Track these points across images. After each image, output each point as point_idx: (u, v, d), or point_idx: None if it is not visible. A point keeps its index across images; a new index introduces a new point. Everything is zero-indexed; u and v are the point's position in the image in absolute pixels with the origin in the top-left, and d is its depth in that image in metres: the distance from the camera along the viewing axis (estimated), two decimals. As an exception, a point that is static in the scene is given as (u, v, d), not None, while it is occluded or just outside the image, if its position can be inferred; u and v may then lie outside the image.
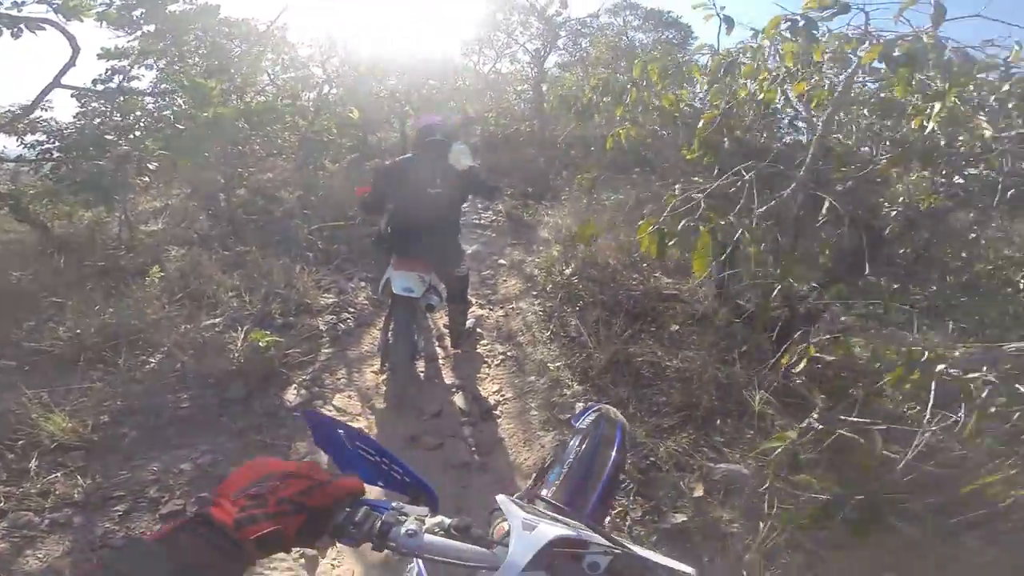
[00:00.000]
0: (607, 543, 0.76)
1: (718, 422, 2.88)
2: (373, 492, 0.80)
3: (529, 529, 0.72)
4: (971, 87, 1.90)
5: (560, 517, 0.83)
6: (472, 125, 10.86)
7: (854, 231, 2.89)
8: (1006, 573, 1.79)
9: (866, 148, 2.65)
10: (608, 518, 1.30)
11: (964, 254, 3.69)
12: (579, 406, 3.05)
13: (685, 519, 2.40)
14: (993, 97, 1.89)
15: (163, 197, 5.91)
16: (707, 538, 2.30)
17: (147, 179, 3.96)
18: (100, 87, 4.54)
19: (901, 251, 3.33)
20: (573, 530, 0.76)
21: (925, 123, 1.74)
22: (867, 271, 2.76)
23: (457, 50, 12.28)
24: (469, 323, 3.75)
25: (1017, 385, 1.15)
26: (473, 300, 4.22)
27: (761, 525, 2.14)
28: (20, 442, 2.55)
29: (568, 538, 0.74)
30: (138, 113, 4.94)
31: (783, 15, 1.74)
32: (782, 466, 1.70)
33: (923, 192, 3.49)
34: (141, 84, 5.02)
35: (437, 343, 3.70)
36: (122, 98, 4.51)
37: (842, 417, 1.57)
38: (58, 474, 2.39)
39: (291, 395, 3.06)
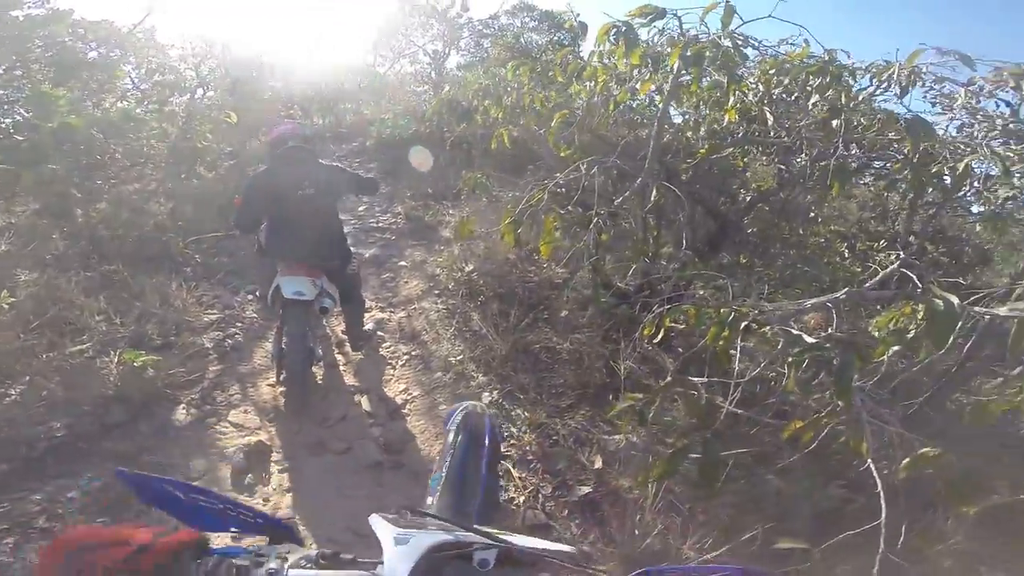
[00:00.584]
0: (487, 539, 0.79)
1: (610, 397, 3.15)
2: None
3: (403, 543, 0.73)
4: (770, 81, 2.27)
5: (439, 524, 0.85)
6: (368, 127, 10.61)
7: (707, 216, 3.32)
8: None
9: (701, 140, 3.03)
10: (497, 512, 1.41)
11: (801, 231, 4.35)
12: (484, 396, 3.20)
13: (590, 490, 2.62)
14: (779, 89, 2.28)
15: (3, 215, 5.20)
16: (612, 505, 2.52)
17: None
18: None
19: (750, 231, 3.86)
20: (450, 534, 0.78)
21: (735, 116, 2.08)
22: (720, 251, 3.18)
23: (355, 51, 11.96)
24: (368, 326, 3.75)
25: (803, 335, 1.42)
26: (371, 302, 4.20)
27: (650, 486, 2.42)
28: None
29: (446, 543, 0.77)
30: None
31: (611, 23, 1.99)
32: (632, 424, 1.94)
33: (767, 177, 4.07)
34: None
35: (337, 349, 3.65)
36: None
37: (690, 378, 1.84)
38: None
39: (180, 414, 2.91)
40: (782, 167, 3.66)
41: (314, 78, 9.78)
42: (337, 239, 3.22)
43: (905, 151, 2.10)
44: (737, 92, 2.11)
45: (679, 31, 2.05)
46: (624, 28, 1.97)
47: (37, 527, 2.20)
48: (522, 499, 2.59)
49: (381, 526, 0.78)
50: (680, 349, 3.01)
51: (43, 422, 2.70)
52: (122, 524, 0.64)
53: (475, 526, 0.84)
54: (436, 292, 4.39)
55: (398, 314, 4.12)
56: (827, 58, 2.25)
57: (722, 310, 1.50)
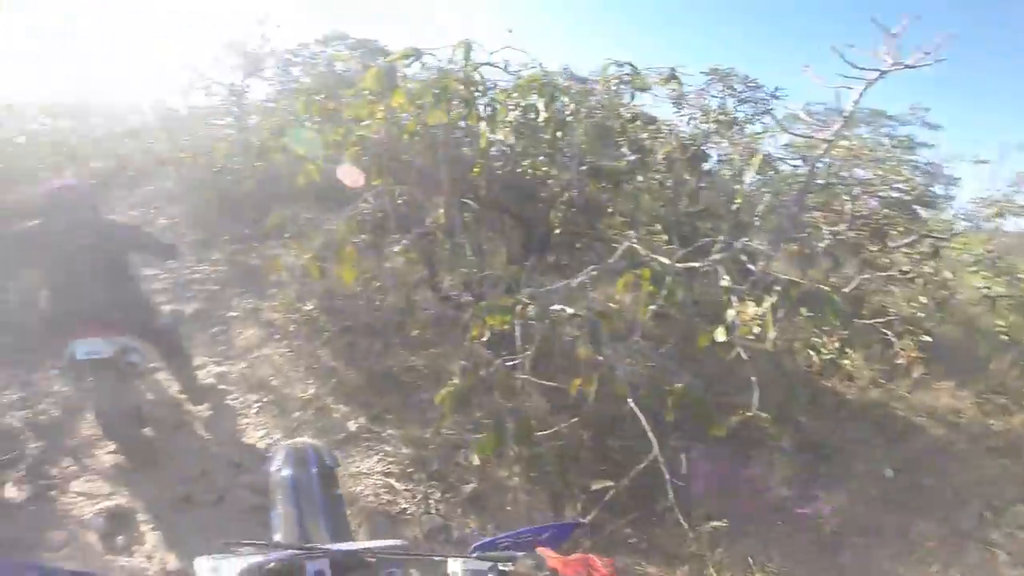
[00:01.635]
0: (310, 551, 0.85)
1: (473, 400, 3.45)
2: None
3: (215, 573, 0.80)
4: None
5: (255, 548, 0.87)
6: (164, 168, 9.45)
7: (516, 224, 3.85)
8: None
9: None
10: (347, 530, 1.48)
11: (598, 225, 5.20)
12: (351, 425, 3.29)
13: (475, 485, 2.88)
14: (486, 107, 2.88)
15: None
16: (497, 494, 2.82)
17: None
18: None
19: (558, 231, 4.54)
20: (266, 555, 0.84)
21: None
22: (536, 251, 3.73)
23: (139, 86, 10.51)
24: (208, 380, 3.55)
25: (565, 308, 1.93)
26: (205, 358, 3.95)
27: (514, 468, 2.78)
28: None
29: (262, 564, 0.82)
30: None
31: (376, 67, 2.34)
32: (452, 406, 2.31)
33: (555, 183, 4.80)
34: None
35: (181, 409, 3.39)
36: None
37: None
38: None
39: (12, 492, 2.62)
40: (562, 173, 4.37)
41: (91, 117, 8.45)
42: (132, 293, 2.99)
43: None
44: (493, 116, 2.60)
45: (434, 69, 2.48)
46: (387, 70, 2.32)
47: None
48: (413, 508, 2.77)
49: (202, 565, 0.85)
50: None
51: None
52: None
53: (300, 543, 0.94)
54: (277, 336, 4.27)
55: (238, 365, 3.93)
56: (542, 75, 2.88)
57: (504, 301, 1.93)
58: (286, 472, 1.54)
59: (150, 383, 3.50)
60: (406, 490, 2.88)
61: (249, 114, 10.19)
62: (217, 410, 3.42)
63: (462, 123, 2.94)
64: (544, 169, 4.23)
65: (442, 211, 2.70)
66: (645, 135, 4.19)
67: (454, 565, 0.91)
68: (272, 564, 0.84)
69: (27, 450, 2.88)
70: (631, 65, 3.74)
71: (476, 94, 2.39)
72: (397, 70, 2.31)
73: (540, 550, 0.90)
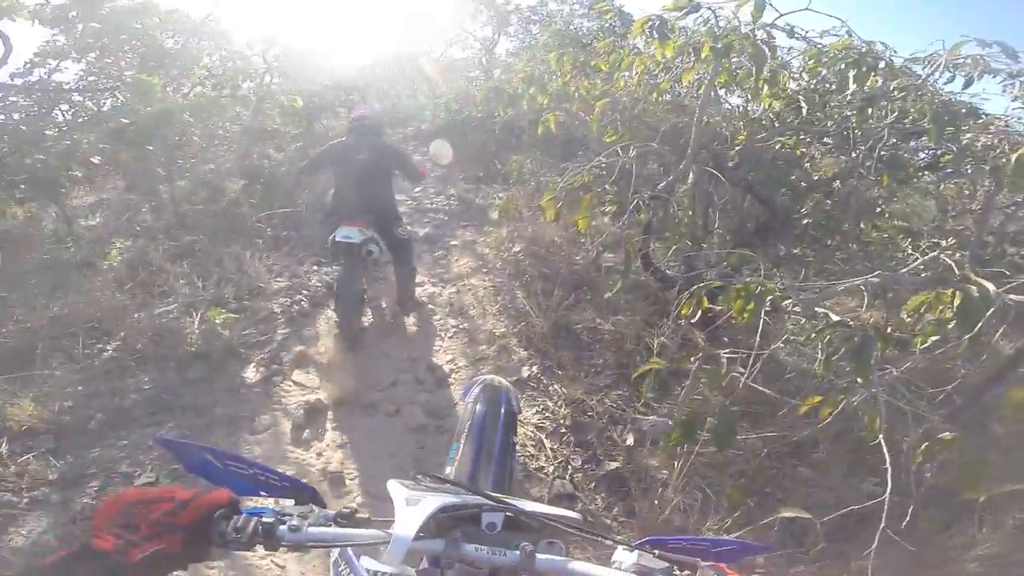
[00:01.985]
0: (495, 503, 0.84)
1: (646, 380, 3.22)
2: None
3: (413, 504, 0.78)
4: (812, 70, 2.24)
5: (449, 488, 0.89)
6: (423, 111, 10.86)
7: (759, 204, 3.28)
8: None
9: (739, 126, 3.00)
10: (511, 480, 1.49)
11: (863, 225, 4.19)
12: (524, 370, 3.35)
13: (618, 466, 2.73)
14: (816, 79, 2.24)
15: (97, 192, 5.77)
16: (638, 482, 2.62)
17: (89, 173, 3.92)
18: (18, 82, 4.38)
19: (805, 222, 3.77)
20: (459, 497, 0.83)
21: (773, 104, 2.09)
22: (771, 241, 3.15)
23: (407, 36, 12.20)
24: (422, 299, 3.97)
25: (829, 314, 1.47)
26: (424, 278, 4.43)
27: (675, 464, 2.50)
28: None
29: (454, 505, 0.81)
30: (64, 107, 4.80)
31: (646, 16, 2.03)
32: (652, 389, 2.01)
33: (825, 167, 3.95)
34: (64, 78, 4.87)
35: (392, 319, 3.88)
36: (48, 93, 4.39)
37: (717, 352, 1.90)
38: (30, 456, 2.48)
39: (251, 372, 3.20)
40: (843, 157, 3.55)
41: (369, 64, 10.09)
42: (386, 200, 3.66)
43: (962, 143, 2.05)
44: (775, 82, 2.11)
45: (715, 23, 2.07)
46: (658, 22, 2.02)
47: (120, 472, 2.49)
48: (551, 469, 2.72)
49: (396, 490, 0.83)
50: (724, 335, 3.03)
51: (133, 375, 3.07)
52: (167, 486, 0.76)
53: (486, 491, 0.89)
54: (484, 270, 4.56)
55: (448, 289, 4.31)
56: (864, 49, 2.20)
57: (750, 286, 1.56)
58: (480, 407, 1.59)
59: (380, 282, 4.06)
60: (551, 449, 2.82)
61: (494, 67, 10.96)
62: (421, 328, 3.81)
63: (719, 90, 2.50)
64: (802, 150, 3.52)
65: (678, 177, 2.37)
66: (967, 129, 3.12)
67: (623, 555, 0.83)
68: (461, 506, 0.84)
69: (276, 335, 3.56)
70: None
71: (766, 56, 1.96)
72: (668, 22, 2.03)
73: (720, 566, 0.80)
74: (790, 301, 1.61)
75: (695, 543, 0.94)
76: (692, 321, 2.12)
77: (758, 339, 1.62)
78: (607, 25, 13.07)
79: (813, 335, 1.52)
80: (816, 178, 3.58)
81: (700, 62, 2.14)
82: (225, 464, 0.87)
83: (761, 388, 1.74)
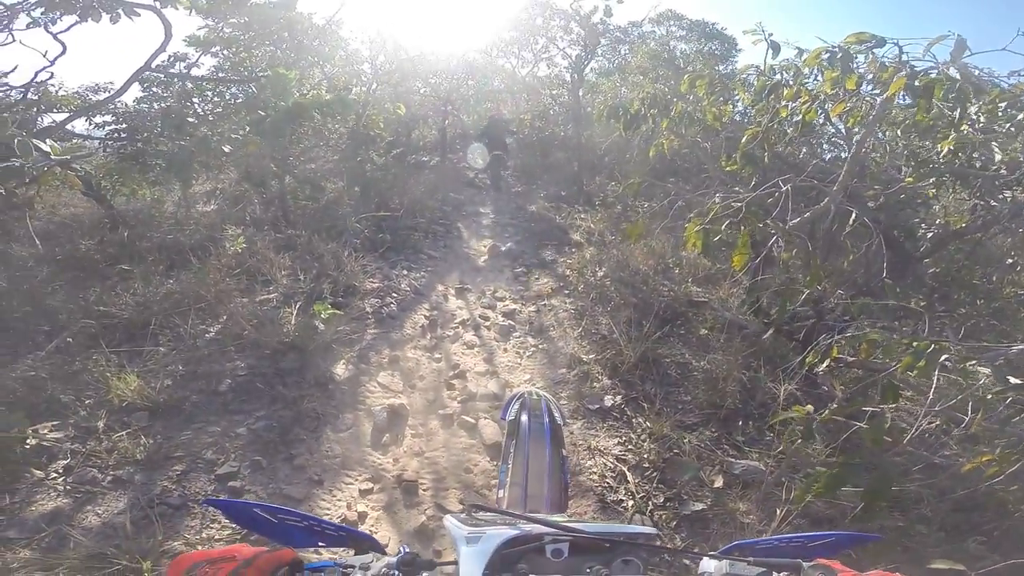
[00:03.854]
0: (558, 530, 0.80)
1: (740, 423, 3.01)
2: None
3: (474, 542, 0.76)
4: (996, 113, 2.02)
5: (507, 519, 0.87)
6: (508, 125, 11.08)
7: (886, 247, 3.01)
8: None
9: (903, 168, 2.77)
10: (567, 495, 1.42)
11: (995, 278, 3.76)
12: (608, 399, 3.22)
13: (704, 507, 2.55)
14: (1009, 124, 2.01)
15: (213, 181, 6.26)
16: (723, 525, 2.43)
17: (219, 162, 4.24)
18: (162, 75, 4.83)
19: (932, 271, 3.42)
20: (519, 528, 0.80)
21: (951, 146, 1.88)
22: (897, 288, 2.87)
23: (496, 51, 12.48)
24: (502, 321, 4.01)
25: (1009, 377, 1.29)
26: (505, 293, 4.42)
27: (777, 511, 2.28)
28: (88, 401, 2.74)
29: (516, 537, 0.78)
30: (196, 100, 5.26)
31: (824, 47, 1.90)
32: (794, 438, 1.85)
33: (959, 214, 3.58)
34: (200, 72, 5.33)
35: (475, 335, 3.88)
36: (189, 84, 4.82)
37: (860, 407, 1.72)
38: (123, 433, 2.54)
39: (340, 369, 3.28)
40: (980, 203, 3.21)
41: (461, 77, 10.40)
42: (504, 155, 7.96)
43: None
44: (959, 124, 1.90)
45: (897, 60, 1.90)
46: (841, 54, 1.88)
47: (204, 458, 2.52)
48: (631, 503, 2.58)
49: (454, 527, 0.81)
50: (829, 383, 2.78)
51: (231, 360, 3.19)
52: (232, 546, 0.73)
53: (544, 516, 0.84)
54: (566, 292, 4.48)
55: (528, 308, 4.28)
56: None
57: (917, 343, 1.39)
58: (522, 424, 1.51)
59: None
60: (634, 483, 2.67)
61: (580, 86, 10.97)
62: (501, 345, 3.78)
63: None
64: (934, 193, 3.21)
65: (816, 215, 2.20)
66: None
67: (710, 564, 0.77)
68: (522, 539, 0.80)
69: (366, 335, 3.65)
70: None
71: (969, 99, 1.79)
72: (852, 55, 1.90)
73: (825, 562, 0.74)
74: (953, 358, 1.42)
75: (788, 542, 0.84)
76: (819, 369, 1.93)
77: (931, 396, 1.44)
78: (706, 49, 12.84)
79: (990, 396, 1.34)
80: (946, 223, 3.26)
81: (857, 97, 1.97)
82: (279, 518, 0.85)
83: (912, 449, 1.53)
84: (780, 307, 2.30)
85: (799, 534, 0.85)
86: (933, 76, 1.72)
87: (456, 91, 9.10)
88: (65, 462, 2.39)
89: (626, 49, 12.79)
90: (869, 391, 2.07)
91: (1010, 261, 3.94)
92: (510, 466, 1.43)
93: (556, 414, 1.63)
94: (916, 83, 1.72)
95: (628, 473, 2.76)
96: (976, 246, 3.52)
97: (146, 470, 2.41)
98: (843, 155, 3.36)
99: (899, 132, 2.50)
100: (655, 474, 2.75)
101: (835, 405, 1.79)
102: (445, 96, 8.15)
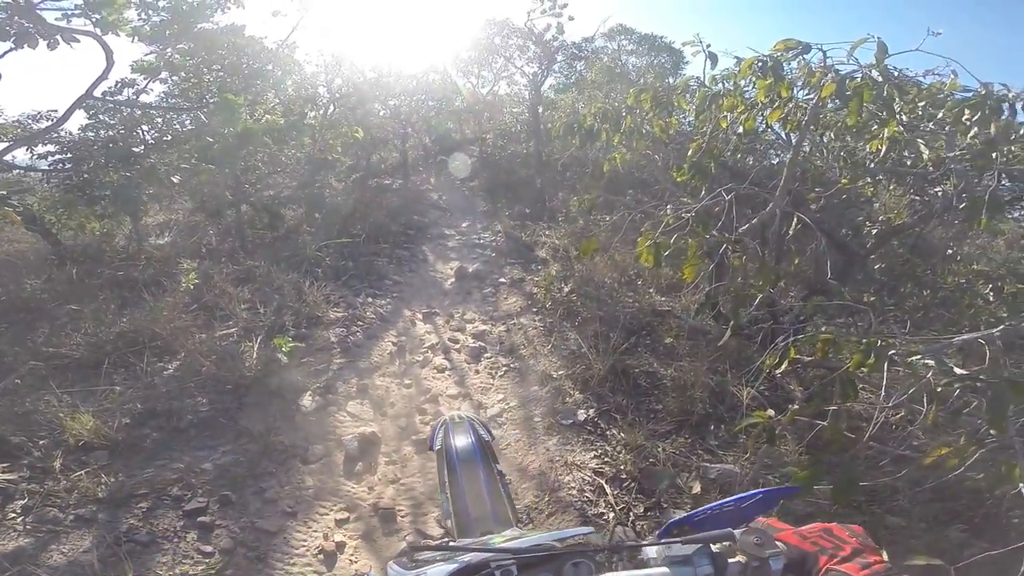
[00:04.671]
0: (497, 552, 0.81)
1: (712, 427, 3.06)
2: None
3: None
4: (917, 112, 2.16)
5: (447, 554, 0.87)
6: (469, 145, 11.14)
7: (833, 247, 3.14)
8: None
9: (839, 169, 2.91)
10: (513, 508, 1.43)
11: (937, 269, 3.96)
12: (581, 413, 3.23)
13: (684, 514, 2.57)
14: (931, 122, 2.15)
15: (166, 212, 6.07)
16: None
17: (167, 192, 4.11)
18: (109, 102, 4.65)
19: (878, 266, 3.58)
20: (458, 563, 0.81)
21: (880, 147, 1.99)
22: (844, 287, 2.99)
23: (455, 71, 12.62)
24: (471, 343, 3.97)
25: (954, 367, 1.36)
26: (475, 315, 4.42)
27: None
28: (43, 441, 2.64)
29: (459, 571, 0.80)
30: (145, 127, 5.09)
31: (754, 57, 2.00)
32: (760, 441, 1.89)
33: (898, 210, 3.77)
34: (148, 98, 5.18)
35: (443, 355, 3.84)
36: (137, 111, 4.66)
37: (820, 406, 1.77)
38: (82, 472, 2.46)
39: (307, 401, 3.19)
40: (916, 198, 3.39)
41: (421, 98, 10.48)
42: None
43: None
44: (889, 124, 2.03)
45: (822, 65, 2.02)
46: (771, 62, 1.98)
47: (170, 495, 2.44)
48: (611, 515, 2.58)
49: (395, 574, 0.81)
50: (790, 384, 2.87)
51: (192, 396, 3.08)
52: None
53: (487, 539, 0.85)
54: (534, 310, 4.50)
55: (498, 327, 4.27)
56: (984, 91, 2.11)
57: (866, 340, 1.45)
58: (451, 449, 1.53)
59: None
60: (613, 495, 2.68)
61: (539, 103, 11.18)
62: (470, 365, 3.75)
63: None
64: (872, 191, 3.38)
65: (763, 220, 2.29)
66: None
67: (652, 551, 0.78)
68: (464, 569, 0.81)
69: (332, 365, 3.58)
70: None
71: (895, 100, 1.90)
72: (781, 63, 2.00)
73: (762, 521, 0.77)
74: (900, 352, 1.49)
75: (720, 508, 0.85)
76: (778, 371, 1.99)
77: (884, 390, 1.50)
78: (656, 62, 13.27)
79: (939, 388, 1.40)
80: (887, 220, 3.42)
81: (791, 103, 2.08)
82: None
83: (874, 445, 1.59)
84: (734, 312, 2.37)
85: (730, 498, 0.86)
86: (859, 80, 1.83)
87: (416, 112, 9.15)
88: (23, 502, 2.30)
89: (582, 65, 13.08)
90: (828, 390, 2.14)
91: (949, 252, 4.18)
92: (448, 494, 1.44)
93: (481, 431, 1.65)
94: (846, 88, 1.82)
95: (606, 486, 2.76)
96: (917, 239, 3.70)
97: (109, 508, 2.35)
98: (787, 160, 3.51)
99: (832, 134, 2.64)
100: (633, 485, 2.76)
101: (796, 406, 1.84)
102: (405, 118, 8.15)
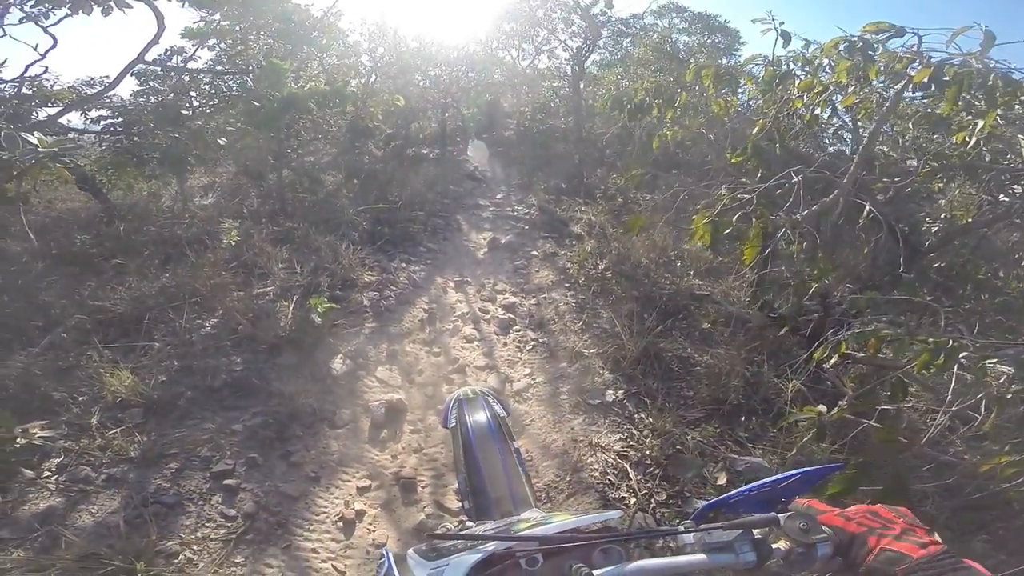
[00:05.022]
0: (521, 542, 0.79)
1: (743, 418, 2.97)
2: None
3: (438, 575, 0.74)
4: (1016, 107, 1.96)
5: (470, 544, 0.84)
6: (507, 119, 10.96)
7: (893, 241, 2.96)
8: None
9: (911, 161, 2.71)
10: (531, 486, 1.39)
11: (1002, 273, 3.71)
12: (609, 394, 3.18)
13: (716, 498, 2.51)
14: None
15: (210, 174, 6.20)
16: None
17: (214, 155, 4.18)
18: (158, 68, 4.77)
19: (937, 264, 3.37)
20: (481, 552, 0.78)
21: (968, 139, 1.82)
22: (902, 281, 2.82)
23: (496, 43, 12.32)
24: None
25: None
26: (505, 286, 4.39)
27: None
28: (82, 398, 2.69)
29: (483, 560, 0.77)
30: (193, 93, 5.19)
31: (842, 37, 1.83)
32: (806, 438, 1.81)
33: (965, 208, 3.52)
34: (196, 65, 5.27)
35: (473, 326, 3.84)
36: (186, 77, 4.75)
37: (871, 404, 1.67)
38: (117, 430, 2.49)
39: (338, 364, 3.23)
40: (987, 197, 3.15)
41: (461, 69, 10.31)
42: None
43: None
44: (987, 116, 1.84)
45: (913, 51, 1.84)
46: (861, 43, 1.81)
47: (199, 456, 2.47)
48: (633, 500, 2.54)
49: (415, 564, 0.79)
50: (836, 379, 2.73)
51: (227, 355, 3.14)
52: None
53: (508, 523, 0.83)
54: (566, 285, 4.43)
55: (529, 300, 4.23)
56: None
57: (934, 340, 1.35)
58: (465, 427, 1.48)
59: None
60: (636, 480, 2.63)
61: (581, 79, 10.83)
62: (500, 338, 3.73)
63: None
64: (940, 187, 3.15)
65: (824, 208, 2.15)
66: None
67: (688, 538, 0.75)
68: (488, 559, 0.78)
69: (364, 329, 3.60)
70: None
71: (998, 91, 1.72)
72: (871, 45, 1.83)
73: (805, 503, 0.74)
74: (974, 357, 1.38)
75: (757, 490, 0.79)
76: (827, 365, 1.89)
77: (950, 395, 1.40)
78: (709, 42, 12.68)
79: (1010, 394, 1.30)
80: (963, 220, 3.19)
81: (868, 89, 1.92)
82: None
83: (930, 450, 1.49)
84: (789, 301, 2.25)
85: (765, 480, 0.80)
86: (957, 67, 1.66)
87: (456, 83, 9.02)
88: (58, 460, 2.35)
89: (628, 42, 12.60)
90: (877, 388, 2.02)
91: (1017, 256, 3.90)
92: (465, 474, 1.40)
93: (497, 407, 1.59)
94: (943, 75, 1.65)
95: (630, 470, 2.72)
96: (981, 240, 3.46)
97: (140, 468, 2.37)
98: (845, 149, 3.30)
99: (910, 124, 2.44)
100: (657, 471, 2.71)
101: (844, 403, 1.74)
102: (445, 88, 8.05)
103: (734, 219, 1.92)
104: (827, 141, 3.43)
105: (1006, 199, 2.83)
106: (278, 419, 2.75)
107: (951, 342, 1.32)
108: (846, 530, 0.67)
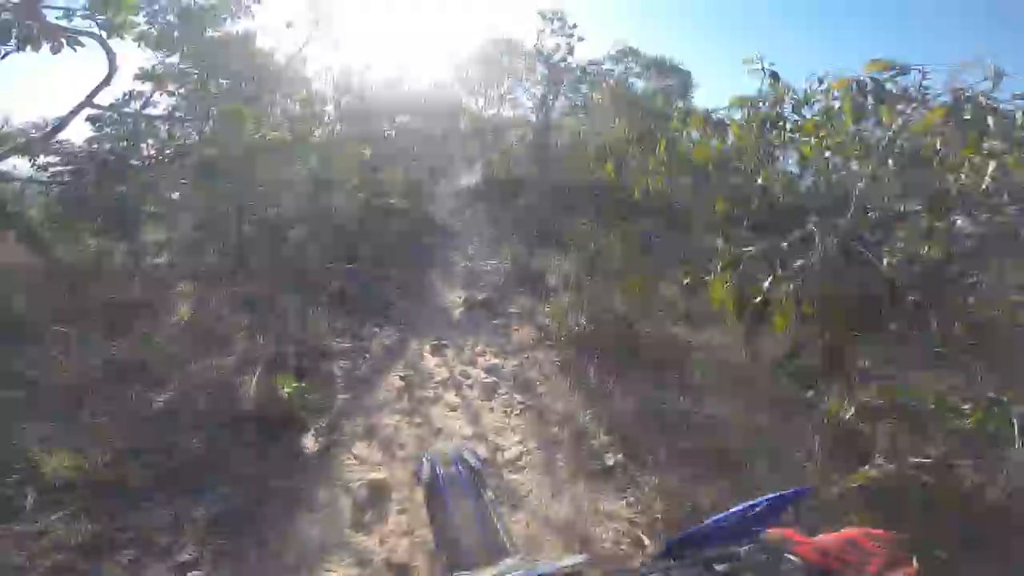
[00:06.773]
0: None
1: (748, 467, 2.81)
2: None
3: None
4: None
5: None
6: (474, 168, 11.03)
7: (879, 281, 2.95)
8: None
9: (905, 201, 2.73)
10: (507, 536, 1.36)
11: (972, 301, 3.76)
12: (609, 458, 2.98)
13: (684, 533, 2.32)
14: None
15: (167, 229, 5.83)
16: None
17: (166, 209, 3.89)
18: (114, 114, 4.46)
19: (913, 299, 3.38)
20: None
21: (962, 176, 1.82)
22: (889, 321, 2.79)
23: (461, 90, 12.55)
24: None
25: None
26: (485, 347, 4.20)
27: None
28: (14, 477, 2.37)
29: None
30: (150, 140, 4.87)
31: (852, 77, 1.83)
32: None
33: (929, 241, 3.59)
34: (154, 111, 4.96)
35: (455, 391, 3.61)
36: (142, 124, 4.47)
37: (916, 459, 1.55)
38: (58, 515, 2.20)
39: (309, 441, 2.94)
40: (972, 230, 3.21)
41: (428, 118, 10.35)
42: None
43: None
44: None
45: (917, 88, 1.85)
46: (870, 84, 1.81)
47: (158, 544, 2.20)
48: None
49: None
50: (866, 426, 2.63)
51: (184, 432, 2.79)
52: None
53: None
54: (548, 342, 4.27)
55: (511, 362, 4.04)
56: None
57: (989, 396, 1.26)
58: (439, 482, 1.49)
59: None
60: (652, 546, 2.42)
61: (547, 126, 11.09)
62: (484, 404, 3.50)
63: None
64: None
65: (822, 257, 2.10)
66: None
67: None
68: None
69: (336, 401, 3.32)
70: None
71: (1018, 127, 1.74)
72: (883, 84, 1.84)
73: (776, 533, 0.73)
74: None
75: (723, 522, 0.80)
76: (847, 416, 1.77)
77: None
78: (663, 86, 13.25)
79: None
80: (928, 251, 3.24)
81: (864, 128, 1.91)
82: None
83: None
84: (790, 354, 2.16)
85: (733, 509, 0.80)
86: (969, 106, 1.66)
87: (422, 132, 9.03)
88: None
89: (585, 87, 12.99)
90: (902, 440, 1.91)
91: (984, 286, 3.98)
92: (439, 526, 1.39)
93: (470, 459, 1.59)
94: (962, 112, 1.65)
95: (642, 536, 2.51)
96: (960, 273, 3.51)
97: (90, 557, 2.09)
98: (819, 186, 3.33)
99: (890, 162, 2.47)
100: (672, 534, 2.51)
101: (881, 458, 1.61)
102: (411, 137, 8.02)
103: (734, 277, 1.83)
104: (812, 184, 3.47)
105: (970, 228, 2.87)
106: (246, 503, 2.45)
107: (1004, 399, 1.23)
108: (820, 565, 0.66)
